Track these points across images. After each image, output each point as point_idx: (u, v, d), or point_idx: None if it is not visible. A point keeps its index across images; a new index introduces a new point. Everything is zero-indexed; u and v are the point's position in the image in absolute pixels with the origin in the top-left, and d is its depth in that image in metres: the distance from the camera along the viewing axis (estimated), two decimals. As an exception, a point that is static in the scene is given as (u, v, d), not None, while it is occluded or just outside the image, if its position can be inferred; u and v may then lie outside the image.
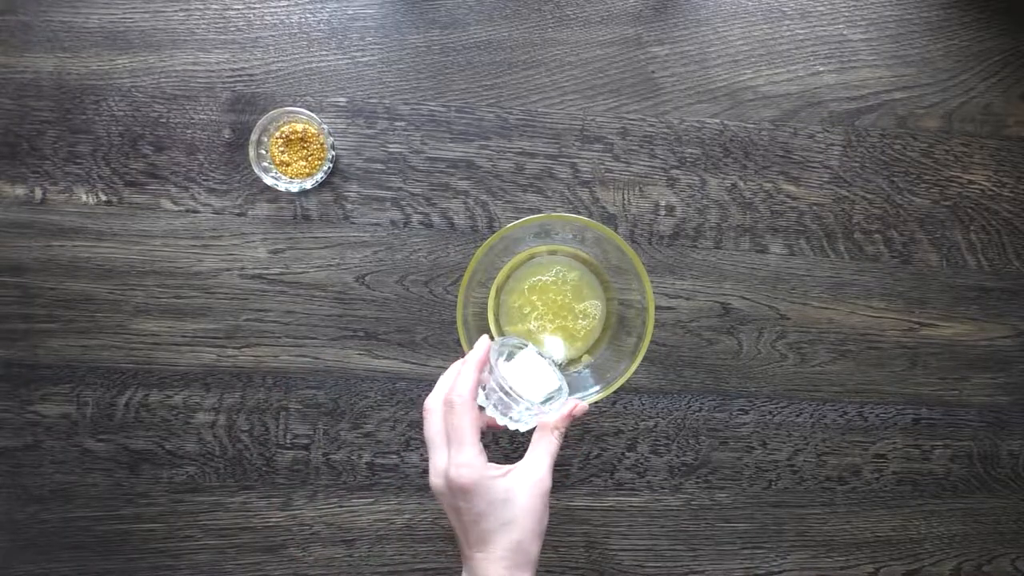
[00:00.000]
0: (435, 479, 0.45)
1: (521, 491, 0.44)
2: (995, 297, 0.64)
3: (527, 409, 0.47)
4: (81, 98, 0.60)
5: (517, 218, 0.61)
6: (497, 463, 0.45)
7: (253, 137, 0.57)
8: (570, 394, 0.54)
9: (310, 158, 0.59)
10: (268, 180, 0.58)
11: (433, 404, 0.46)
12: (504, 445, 0.62)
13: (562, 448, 0.62)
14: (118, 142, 0.61)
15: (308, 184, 0.58)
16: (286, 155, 0.59)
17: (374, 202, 0.61)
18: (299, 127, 0.59)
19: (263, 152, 0.58)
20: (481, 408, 0.47)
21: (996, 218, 0.64)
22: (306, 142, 0.59)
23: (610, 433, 0.62)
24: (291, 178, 0.59)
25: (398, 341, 0.61)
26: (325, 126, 0.58)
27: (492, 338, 0.51)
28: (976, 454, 0.64)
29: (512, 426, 0.48)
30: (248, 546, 0.61)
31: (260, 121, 0.57)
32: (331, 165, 0.60)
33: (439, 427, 0.45)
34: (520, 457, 0.46)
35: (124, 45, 0.61)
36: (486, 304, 0.58)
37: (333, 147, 0.59)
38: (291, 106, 0.59)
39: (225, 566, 0.61)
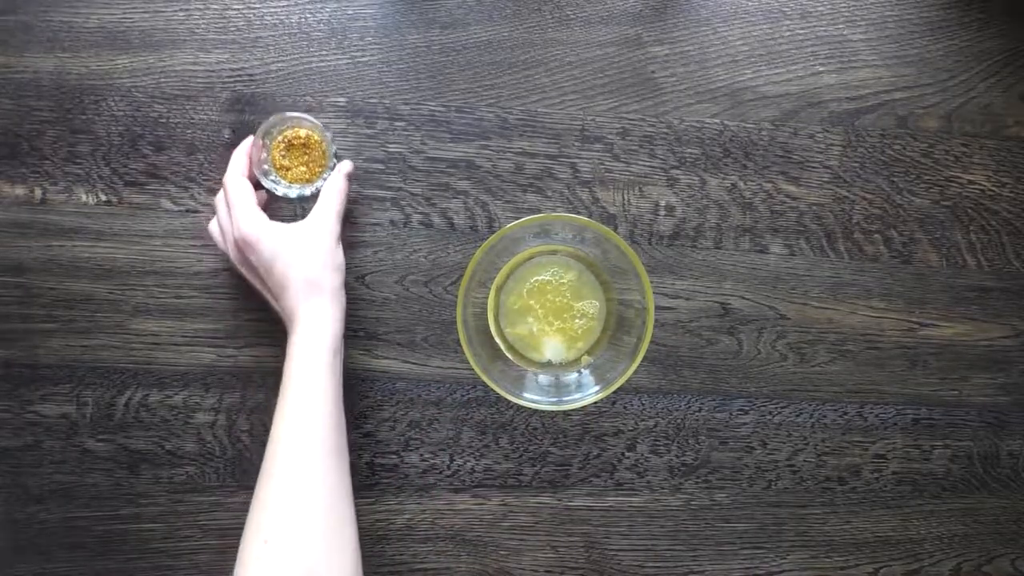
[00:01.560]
0: (230, 251, 0.53)
1: (306, 232, 0.51)
2: (995, 297, 0.64)
3: (291, 186, 0.57)
4: (81, 98, 0.60)
5: (517, 218, 0.61)
6: None
7: (256, 139, 0.57)
8: (569, 395, 0.54)
9: (311, 164, 0.58)
10: (267, 183, 0.57)
11: (215, 200, 0.55)
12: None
13: (562, 447, 0.62)
14: (118, 142, 0.61)
15: (307, 191, 0.57)
16: (287, 159, 0.58)
17: (374, 202, 0.61)
18: (303, 133, 0.58)
19: (264, 155, 0.57)
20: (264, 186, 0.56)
21: (996, 218, 0.64)
22: (308, 148, 0.58)
23: (610, 433, 0.62)
24: (290, 183, 0.58)
25: (398, 341, 0.61)
26: (329, 134, 0.57)
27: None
28: (976, 454, 0.64)
29: (296, 192, 0.57)
30: (248, 546, 0.61)
31: (264, 123, 0.56)
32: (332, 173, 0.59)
33: (223, 211, 0.54)
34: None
35: (124, 45, 0.61)
36: (486, 304, 0.58)
37: (336, 155, 0.58)
38: (298, 111, 0.58)
39: (225, 566, 0.61)
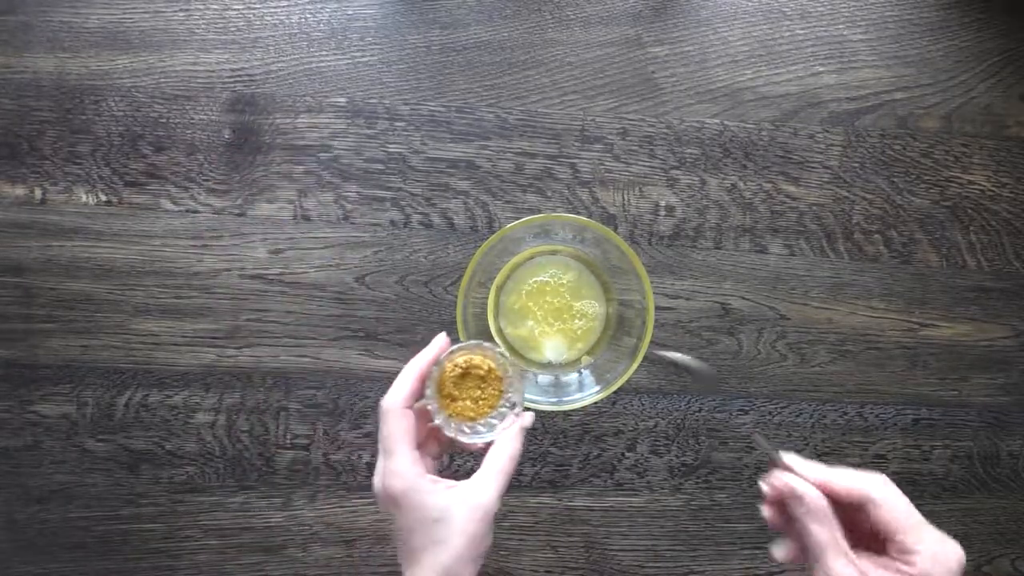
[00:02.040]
0: (375, 482, 0.42)
1: (459, 511, 0.40)
2: (995, 297, 0.64)
3: (475, 426, 0.45)
4: (81, 98, 0.60)
5: (517, 218, 0.61)
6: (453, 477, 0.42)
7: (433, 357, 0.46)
8: (569, 395, 0.54)
9: (480, 401, 0.47)
10: (429, 405, 0.45)
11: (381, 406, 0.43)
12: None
13: (561, 447, 0.62)
14: (118, 142, 0.61)
15: (462, 433, 0.45)
16: (456, 387, 0.47)
17: (374, 202, 0.61)
18: (485, 364, 0.47)
19: (434, 373, 0.45)
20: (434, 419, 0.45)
21: (996, 218, 0.64)
22: (484, 383, 0.47)
23: (610, 433, 0.62)
24: (449, 415, 0.46)
25: (398, 341, 0.61)
26: (512, 371, 0.47)
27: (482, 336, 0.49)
28: (976, 454, 0.64)
29: (460, 438, 0.45)
30: (248, 546, 0.61)
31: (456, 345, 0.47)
32: (502, 422, 0.46)
33: (379, 438, 0.43)
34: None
35: (124, 45, 0.61)
36: (486, 304, 0.58)
37: (511, 403, 0.47)
38: (486, 342, 0.47)
39: (225, 566, 0.61)
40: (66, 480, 0.60)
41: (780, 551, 0.42)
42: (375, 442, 0.61)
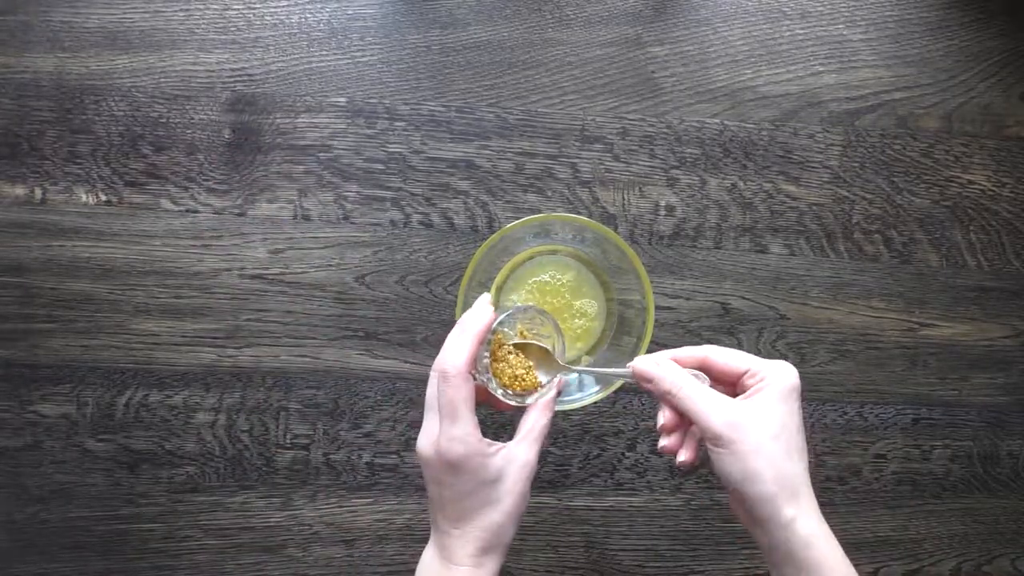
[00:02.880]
0: (425, 447, 0.43)
1: (510, 471, 0.43)
2: (995, 297, 0.64)
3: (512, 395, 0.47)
4: (81, 98, 0.60)
5: (517, 218, 0.61)
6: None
7: (488, 322, 0.46)
8: (569, 395, 0.54)
9: (529, 375, 0.48)
10: (479, 376, 0.45)
11: (436, 367, 0.43)
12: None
13: (561, 447, 0.62)
14: (118, 142, 0.61)
15: (516, 398, 0.47)
16: (513, 357, 0.48)
17: (374, 202, 0.61)
18: (542, 339, 0.48)
19: (490, 337, 0.46)
20: (476, 378, 0.45)
21: (996, 218, 0.64)
22: (537, 353, 0.49)
23: (610, 433, 0.62)
24: (498, 382, 0.47)
25: (398, 341, 0.61)
26: (561, 347, 0.48)
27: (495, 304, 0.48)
28: (976, 454, 0.64)
29: (514, 402, 0.46)
30: (248, 546, 0.61)
31: (513, 309, 0.47)
32: (547, 396, 0.47)
33: (435, 393, 0.43)
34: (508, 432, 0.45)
35: (124, 45, 0.61)
36: None
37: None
38: (536, 307, 0.49)
39: (225, 566, 0.61)
40: (66, 480, 0.60)
41: (664, 440, 0.45)
42: (376, 441, 0.61)
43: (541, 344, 0.49)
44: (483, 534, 0.42)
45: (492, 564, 0.43)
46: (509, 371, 0.48)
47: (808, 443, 0.44)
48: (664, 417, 0.45)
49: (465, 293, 0.51)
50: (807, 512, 0.40)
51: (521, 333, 0.49)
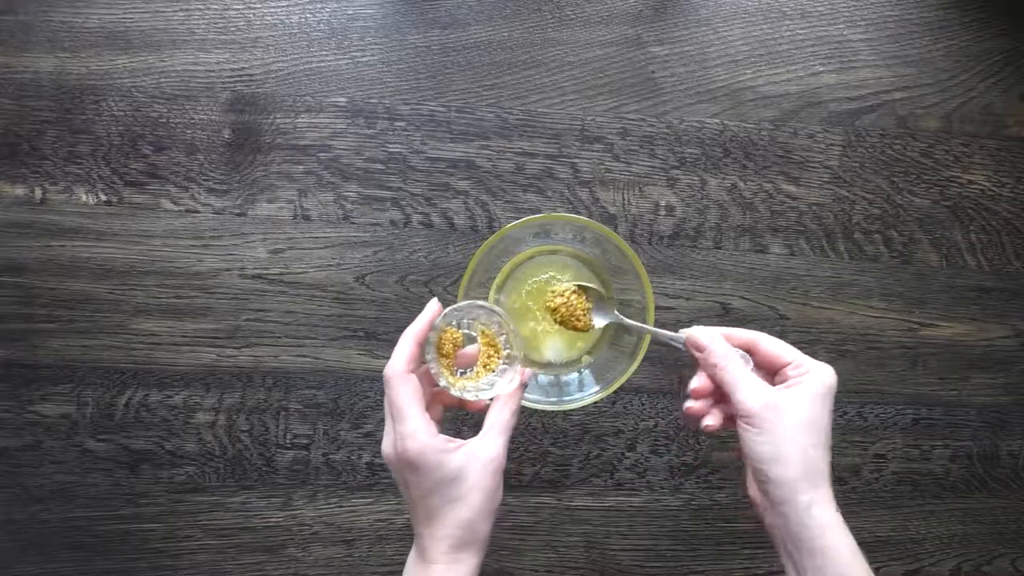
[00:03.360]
0: (385, 449, 0.43)
1: (473, 468, 0.42)
2: (995, 297, 0.64)
3: (478, 384, 0.46)
4: (81, 98, 0.60)
5: (517, 218, 0.61)
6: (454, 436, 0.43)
7: (429, 323, 0.46)
8: (569, 394, 0.54)
9: (490, 365, 0.48)
10: (432, 368, 0.46)
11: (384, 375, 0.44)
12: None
13: (561, 447, 0.62)
14: (118, 142, 0.61)
15: (467, 392, 0.46)
16: (456, 350, 0.48)
17: (374, 202, 0.61)
18: (485, 331, 0.48)
19: (431, 336, 0.46)
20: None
21: (996, 218, 0.64)
22: (484, 344, 0.49)
23: (610, 433, 0.62)
24: (451, 376, 0.47)
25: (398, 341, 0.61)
26: (512, 328, 0.48)
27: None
28: (976, 454, 0.64)
29: (466, 396, 0.46)
30: (248, 546, 0.61)
31: (450, 309, 0.47)
32: (503, 378, 0.48)
33: (385, 407, 0.44)
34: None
35: (124, 45, 0.61)
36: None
37: (511, 359, 0.48)
38: (486, 305, 0.48)
39: (225, 566, 0.61)
40: (66, 480, 0.60)
41: (691, 403, 0.47)
42: (376, 442, 0.61)
43: (492, 335, 0.49)
44: (453, 531, 0.42)
45: (468, 560, 0.43)
46: (481, 361, 0.48)
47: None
48: (699, 382, 0.46)
49: (465, 293, 0.51)
50: (825, 501, 0.41)
51: (482, 332, 0.49)
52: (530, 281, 0.57)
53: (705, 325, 0.48)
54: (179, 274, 0.61)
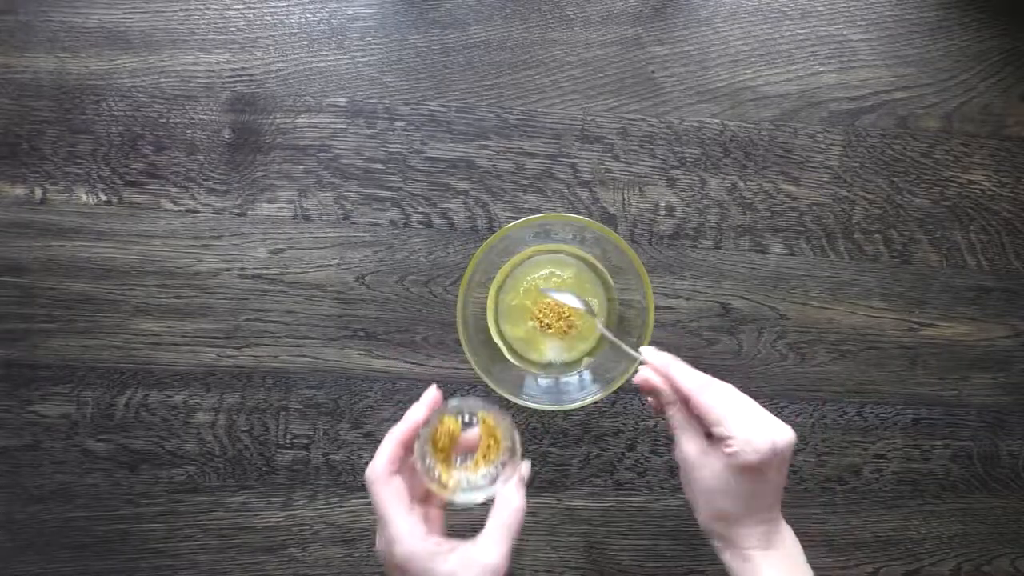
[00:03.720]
0: (377, 547, 0.41)
1: (466, 571, 0.39)
2: (995, 297, 0.64)
3: (466, 485, 0.43)
4: (81, 98, 0.60)
5: (517, 218, 0.61)
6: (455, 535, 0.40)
7: (420, 423, 0.43)
8: (569, 395, 0.54)
9: (479, 456, 0.45)
10: (418, 465, 0.43)
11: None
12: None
13: (562, 447, 0.62)
14: (118, 142, 0.61)
15: (460, 492, 0.43)
16: (453, 443, 0.45)
17: (374, 202, 0.61)
18: (483, 424, 0.45)
19: (424, 432, 0.44)
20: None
21: (996, 218, 0.64)
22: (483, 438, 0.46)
23: (610, 433, 0.62)
24: (440, 478, 0.44)
25: (398, 341, 0.61)
26: (507, 421, 0.45)
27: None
28: (976, 454, 0.64)
29: (458, 499, 0.43)
30: (248, 546, 0.61)
31: (443, 406, 0.45)
32: (502, 474, 0.44)
33: (376, 512, 0.41)
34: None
35: (124, 45, 0.61)
36: (486, 304, 0.58)
37: (510, 453, 0.44)
38: (480, 400, 0.45)
39: (225, 566, 0.61)
40: (66, 480, 0.60)
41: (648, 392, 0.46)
42: (376, 442, 0.61)
43: (494, 428, 0.45)
44: None
45: None
46: (481, 451, 0.45)
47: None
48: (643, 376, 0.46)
49: (465, 293, 0.51)
50: (735, 553, 0.42)
51: (483, 420, 0.45)
52: (527, 279, 0.58)
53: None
54: (179, 274, 0.61)
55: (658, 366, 0.45)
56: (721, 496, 0.41)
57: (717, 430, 0.42)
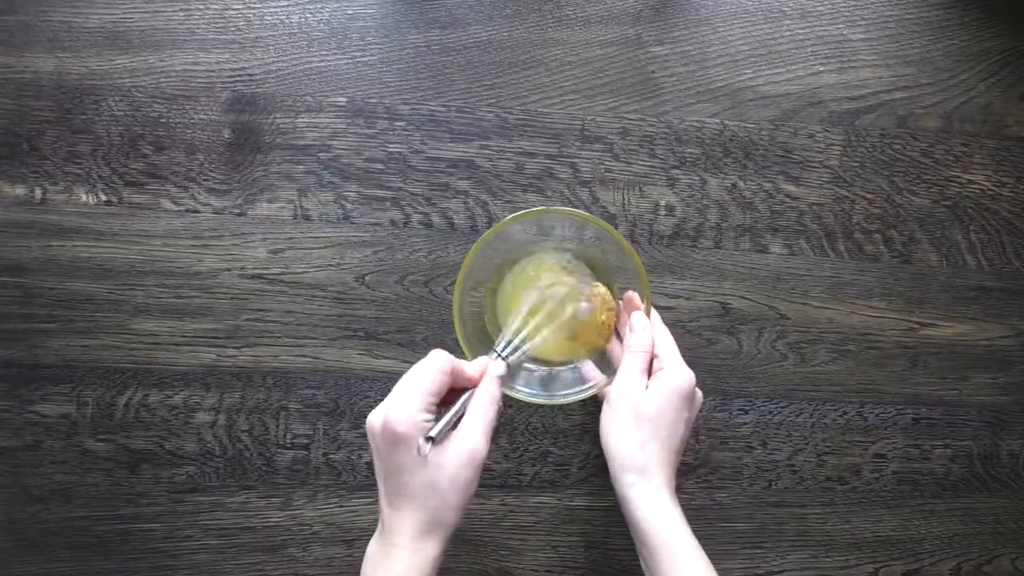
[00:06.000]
0: (373, 416, 0.44)
1: (450, 456, 0.43)
2: (995, 297, 0.64)
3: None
4: (81, 98, 0.60)
5: (517, 218, 0.61)
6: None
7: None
8: (565, 388, 0.53)
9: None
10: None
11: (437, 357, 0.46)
12: (504, 444, 0.62)
13: (562, 447, 0.62)
14: (118, 142, 0.61)
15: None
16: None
17: (374, 202, 0.61)
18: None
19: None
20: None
21: (996, 218, 0.64)
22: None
23: (610, 433, 0.62)
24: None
25: (398, 341, 0.61)
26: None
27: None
28: (976, 454, 0.64)
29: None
30: (248, 546, 0.61)
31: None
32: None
33: (409, 372, 0.46)
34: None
35: (124, 45, 0.61)
36: (482, 304, 0.58)
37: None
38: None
39: (225, 566, 0.61)
40: (66, 480, 0.60)
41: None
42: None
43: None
44: (422, 515, 0.42)
45: (432, 547, 0.43)
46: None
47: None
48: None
49: (461, 291, 0.51)
50: (651, 487, 0.47)
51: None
52: (524, 280, 0.57)
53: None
54: (179, 274, 0.61)
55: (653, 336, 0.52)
56: (649, 422, 0.48)
57: (657, 363, 0.51)
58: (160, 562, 0.61)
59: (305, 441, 0.61)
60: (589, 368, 0.55)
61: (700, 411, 0.57)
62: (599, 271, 0.57)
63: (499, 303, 0.58)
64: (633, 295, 0.52)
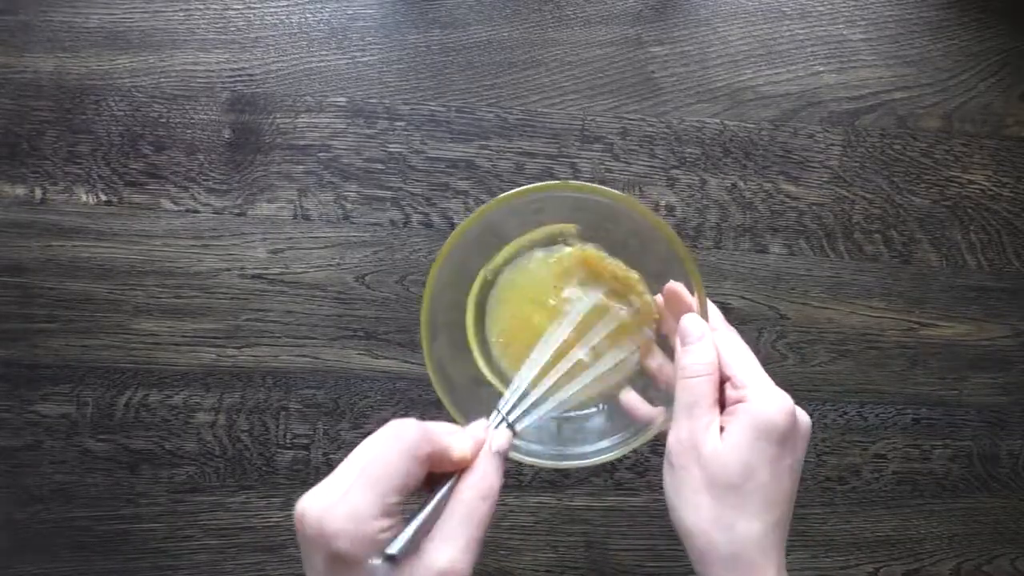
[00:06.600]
0: (306, 508, 0.28)
1: None
2: (995, 297, 0.64)
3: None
4: (81, 98, 0.60)
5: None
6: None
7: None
8: (579, 444, 0.40)
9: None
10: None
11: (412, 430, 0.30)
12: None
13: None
14: (118, 142, 0.61)
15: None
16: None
17: (374, 202, 0.61)
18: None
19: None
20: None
21: (996, 218, 0.64)
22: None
23: (610, 433, 0.62)
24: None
25: (398, 341, 0.61)
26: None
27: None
28: (976, 454, 0.64)
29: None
30: (248, 546, 0.61)
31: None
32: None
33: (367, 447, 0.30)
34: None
35: (124, 45, 0.61)
36: (460, 309, 0.42)
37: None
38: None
39: (225, 566, 0.61)
40: (66, 480, 0.60)
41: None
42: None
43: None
44: None
45: None
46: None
47: (808, 442, 0.36)
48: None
49: (431, 298, 0.38)
50: None
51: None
52: (520, 289, 0.43)
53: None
54: (179, 274, 0.61)
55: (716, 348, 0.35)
56: (733, 490, 0.32)
57: (731, 385, 0.34)
58: (160, 562, 0.61)
59: (305, 441, 0.61)
60: (631, 399, 0.39)
61: (810, 443, 0.41)
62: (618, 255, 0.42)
63: (491, 318, 0.44)
64: (678, 288, 0.36)
